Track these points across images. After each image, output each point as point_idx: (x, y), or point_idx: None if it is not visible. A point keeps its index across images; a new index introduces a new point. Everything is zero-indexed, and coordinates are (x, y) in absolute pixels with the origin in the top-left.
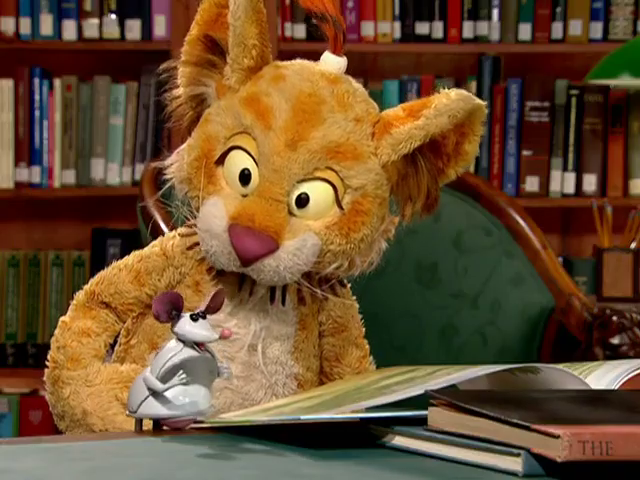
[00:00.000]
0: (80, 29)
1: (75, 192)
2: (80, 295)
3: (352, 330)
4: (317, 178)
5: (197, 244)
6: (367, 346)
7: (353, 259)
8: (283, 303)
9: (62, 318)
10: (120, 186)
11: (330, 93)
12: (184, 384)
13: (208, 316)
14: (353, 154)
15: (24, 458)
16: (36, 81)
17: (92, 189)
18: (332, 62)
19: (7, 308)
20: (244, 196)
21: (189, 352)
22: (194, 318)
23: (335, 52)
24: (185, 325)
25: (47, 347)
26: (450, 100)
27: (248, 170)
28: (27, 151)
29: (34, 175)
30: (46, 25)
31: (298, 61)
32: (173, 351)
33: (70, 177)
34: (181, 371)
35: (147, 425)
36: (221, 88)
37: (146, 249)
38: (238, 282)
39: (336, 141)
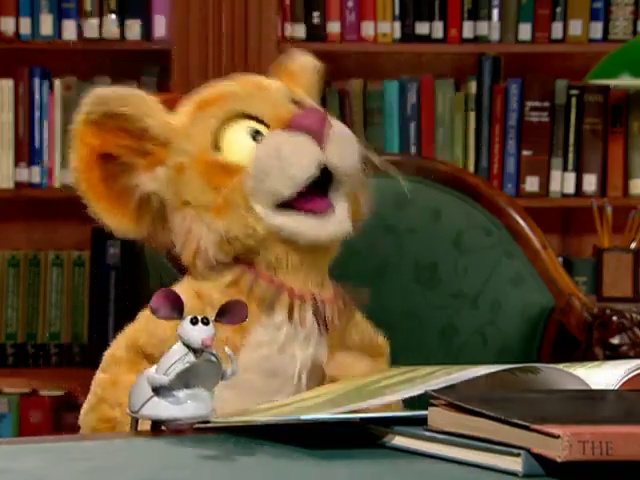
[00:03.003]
0: (80, 29)
1: (75, 192)
2: (118, 351)
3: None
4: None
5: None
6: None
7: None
8: (327, 328)
9: (100, 375)
10: None
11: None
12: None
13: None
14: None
15: (24, 458)
16: (36, 81)
17: None
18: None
19: (7, 308)
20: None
21: (193, 356)
22: (194, 322)
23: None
24: (187, 329)
25: (47, 347)
26: None
27: (252, 128)
28: (27, 151)
29: (34, 175)
30: (46, 25)
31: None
32: (178, 354)
33: (70, 177)
34: (191, 377)
35: (142, 426)
36: (152, 161)
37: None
38: (288, 310)
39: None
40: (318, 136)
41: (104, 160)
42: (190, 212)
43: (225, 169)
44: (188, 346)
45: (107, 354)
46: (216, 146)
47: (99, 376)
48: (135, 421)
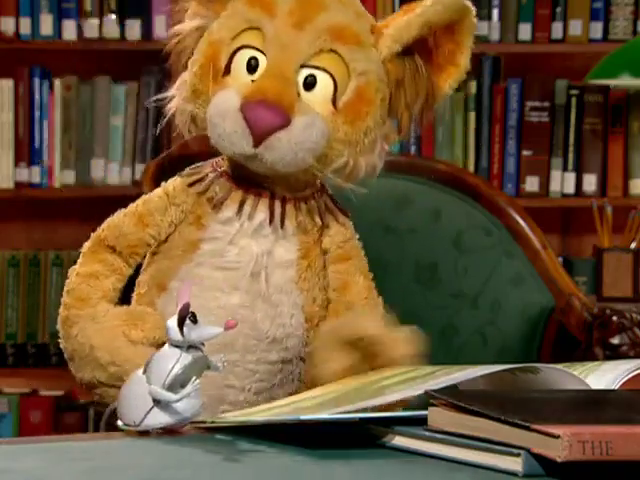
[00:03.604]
0: (80, 29)
1: (75, 192)
2: (87, 243)
3: (358, 259)
4: (321, 69)
5: (198, 181)
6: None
7: (357, 158)
8: (282, 225)
9: (73, 267)
10: (120, 186)
11: None
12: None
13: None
14: (356, 40)
15: (24, 458)
16: (36, 81)
17: (92, 189)
18: None
19: (7, 308)
20: (253, 82)
21: (188, 357)
22: (193, 320)
23: None
24: (177, 330)
25: (47, 347)
26: None
27: (255, 58)
28: (27, 151)
29: (34, 175)
30: (46, 25)
31: None
32: (173, 359)
33: (70, 177)
34: (194, 377)
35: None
36: (222, 10)
37: (150, 193)
38: (238, 207)
39: (340, 25)
40: (254, 133)
41: None
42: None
43: (215, 72)
44: (177, 346)
45: None
46: (232, 41)
47: (72, 267)
48: (108, 415)
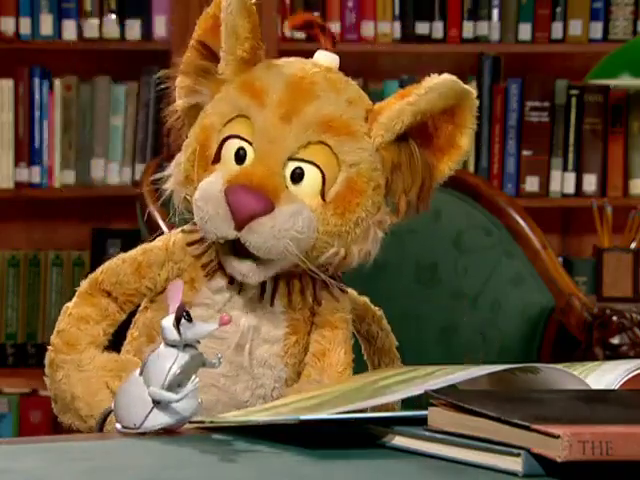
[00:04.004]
0: (80, 29)
1: (75, 192)
2: (84, 283)
3: (345, 332)
4: (309, 162)
5: (198, 241)
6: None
7: (350, 247)
8: (272, 303)
9: (67, 304)
10: (120, 186)
11: (323, 77)
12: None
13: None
14: (347, 130)
15: (24, 458)
16: (36, 81)
17: (92, 189)
18: (325, 57)
19: (7, 308)
20: None
21: (185, 356)
22: (188, 319)
23: (327, 49)
24: (186, 329)
25: (47, 347)
26: (439, 79)
27: (243, 149)
28: (27, 151)
29: (34, 175)
30: (46, 25)
31: (292, 58)
32: (170, 359)
33: (70, 177)
34: (194, 376)
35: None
36: (217, 92)
37: (151, 243)
38: (229, 278)
39: (330, 115)
40: (236, 217)
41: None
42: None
43: (205, 160)
44: (174, 346)
45: None
46: (223, 127)
47: (66, 304)
48: (102, 420)
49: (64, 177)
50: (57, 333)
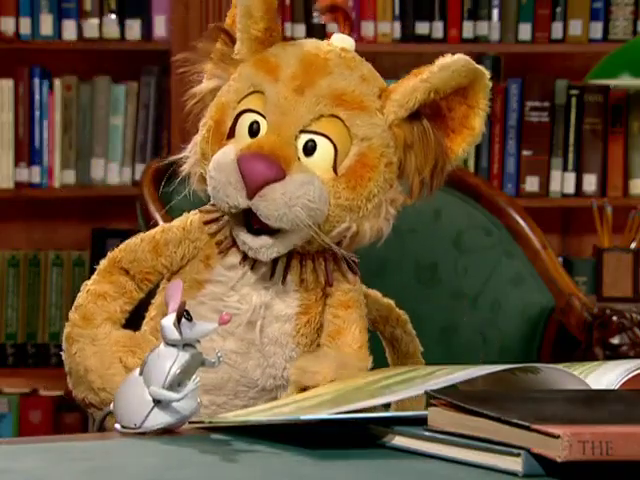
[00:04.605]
0: (80, 29)
1: (75, 192)
2: (104, 261)
3: (359, 311)
4: (320, 134)
5: (214, 220)
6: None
7: (362, 223)
8: (284, 281)
9: (86, 282)
10: (120, 186)
11: (337, 55)
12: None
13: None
14: (359, 105)
15: (24, 458)
16: (36, 81)
17: (92, 189)
18: (341, 39)
19: (7, 308)
20: None
21: (186, 355)
22: (188, 318)
23: (343, 33)
24: (186, 329)
25: (47, 347)
26: (453, 58)
27: (257, 123)
28: (27, 151)
29: (34, 175)
30: (46, 25)
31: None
32: (171, 358)
33: (70, 177)
34: (194, 375)
35: (110, 423)
36: (234, 73)
37: (171, 223)
38: (242, 256)
39: (342, 89)
40: (248, 184)
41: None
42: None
43: (220, 136)
44: (174, 345)
45: None
46: (237, 104)
47: (85, 281)
48: (101, 420)
49: (64, 177)
50: (75, 308)
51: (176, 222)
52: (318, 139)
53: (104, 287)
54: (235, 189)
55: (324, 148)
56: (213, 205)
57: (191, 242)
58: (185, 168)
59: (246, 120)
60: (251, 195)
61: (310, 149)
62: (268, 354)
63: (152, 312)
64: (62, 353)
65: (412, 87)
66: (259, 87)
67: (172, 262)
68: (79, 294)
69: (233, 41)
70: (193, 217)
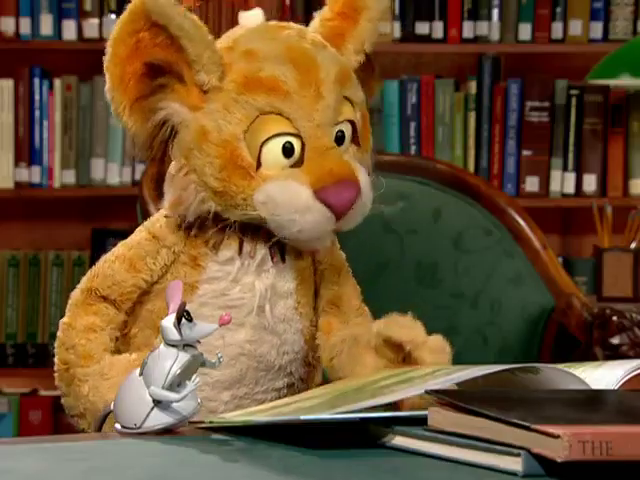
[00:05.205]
0: (80, 29)
1: (75, 192)
2: (76, 294)
3: (345, 268)
4: (344, 121)
5: (190, 223)
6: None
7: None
8: (283, 260)
9: (62, 320)
10: (120, 186)
11: (297, 34)
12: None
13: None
14: (349, 74)
15: (24, 458)
16: (36, 81)
17: (92, 189)
18: (251, 16)
19: (7, 308)
20: (292, 167)
21: (186, 356)
22: (188, 319)
23: (245, 9)
24: (186, 329)
25: (47, 347)
26: None
27: (289, 142)
28: (27, 151)
29: (34, 175)
30: (46, 25)
31: (232, 33)
32: (171, 359)
33: (70, 177)
34: (194, 376)
35: (108, 425)
36: (191, 99)
37: (133, 237)
38: (238, 247)
39: (340, 72)
40: (338, 213)
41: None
42: (190, 174)
43: (244, 170)
44: (174, 345)
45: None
46: (245, 134)
47: (62, 320)
48: (101, 421)
49: (64, 177)
50: (67, 350)
51: (142, 234)
52: (343, 126)
53: (90, 319)
54: (326, 224)
55: (348, 131)
56: (175, 205)
57: (168, 249)
58: (189, 215)
59: (273, 145)
60: (341, 217)
61: (340, 139)
62: (280, 333)
63: (134, 330)
64: (64, 398)
65: (360, 30)
66: (271, 109)
67: (152, 274)
68: (60, 334)
69: (161, 70)
70: (160, 223)
